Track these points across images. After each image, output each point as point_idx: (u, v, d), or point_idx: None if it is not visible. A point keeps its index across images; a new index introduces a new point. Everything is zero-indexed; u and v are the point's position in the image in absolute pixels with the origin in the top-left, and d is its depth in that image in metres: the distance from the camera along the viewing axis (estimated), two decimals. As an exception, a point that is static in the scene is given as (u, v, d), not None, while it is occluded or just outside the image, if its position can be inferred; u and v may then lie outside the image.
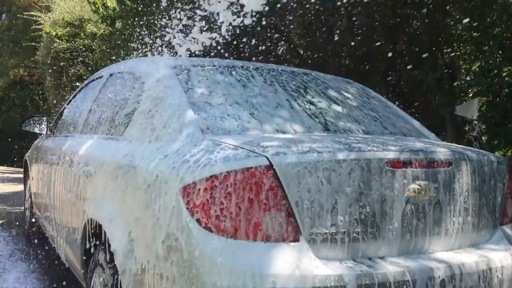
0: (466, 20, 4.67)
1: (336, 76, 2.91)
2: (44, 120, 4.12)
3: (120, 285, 1.77)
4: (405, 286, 1.49)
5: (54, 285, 3.30)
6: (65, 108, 3.90)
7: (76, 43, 12.33)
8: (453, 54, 6.08)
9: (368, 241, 1.57)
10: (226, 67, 2.34)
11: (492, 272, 1.68)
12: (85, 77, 10.48)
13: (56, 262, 3.69)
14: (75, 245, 2.45)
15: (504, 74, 4.75)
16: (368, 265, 1.52)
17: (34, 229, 4.32)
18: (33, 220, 4.25)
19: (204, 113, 1.87)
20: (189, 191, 1.49)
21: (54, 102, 14.21)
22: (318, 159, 1.52)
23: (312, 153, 1.54)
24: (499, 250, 1.80)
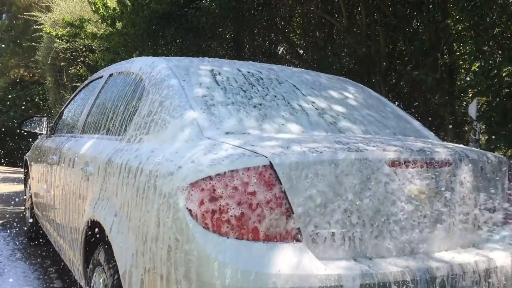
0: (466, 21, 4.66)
1: (336, 76, 2.92)
2: (44, 120, 4.12)
3: (121, 285, 1.77)
4: (405, 286, 1.49)
5: (55, 285, 3.30)
6: (65, 108, 3.90)
7: (76, 43, 12.34)
8: (453, 54, 6.08)
9: (368, 241, 1.57)
10: (226, 67, 2.34)
11: (492, 272, 1.69)
12: (85, 77, 10.48)
13: (56, 262, 3.69)
14: (76, 244, 2.45)
15: (504, 74, 4.74)
16: (368, 265, 1.52)
17: (34, 229, 4.32)
18: (34, 220, 4.26)
19: (204, 113, 1.87)
20: (189, 191, 1.49)
21: (54, 102, 14.23)
22: (318, 159, 1.52)
23: (312, 153, 1.54)
24: (499, 250, 1.80)
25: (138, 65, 2.46)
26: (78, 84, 9.81)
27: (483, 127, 4.71)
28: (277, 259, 1.43)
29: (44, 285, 3.28)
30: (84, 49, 12.50)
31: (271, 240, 1.46)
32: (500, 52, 4.80)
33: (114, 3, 8.87)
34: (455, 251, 1.75)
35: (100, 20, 9.32)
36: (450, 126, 5.85)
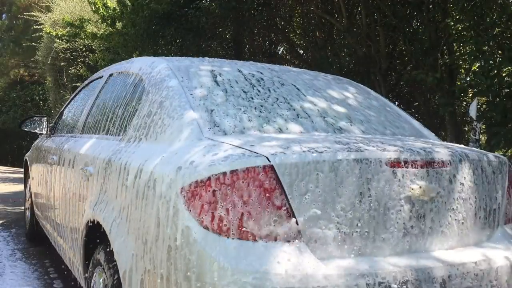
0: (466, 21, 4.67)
1: (337, 76, 2.92)
2: (44, 120, 4.12)
3: (121, 285, 1.77)
4: (405, 286, 1.49)
5: (55, 285, 3.30)
6: (65, 108, 3.90)
7: (76, 43, 12.35)
8: (453, 54, 6.08)
9: (368, 241, 1.57)
10: (227, 67, 2.34)
11: (492, 272, 1.69)
12: (85, 77, 10.49)
13: (56, 262, 3.69)
14: (76, 244, 2.45)
15: (504, 74, 4.74)
16: (368, 265, 1.52)
17: (34, 229, 4.32)
18: (34, 220, 4.25)
19: (205, 113, 1.87)
20: (189, 192, 1.49)
21: (54, 102, 14.24)
22: (318, 159, 1.52)
23: (312, 153, 1.54)
24: (499, 250, 1.80)
25: (138, 65, 2.46)
26: (78, 84, 9.82)
27: (483, 127, 4.71)
28: (277, 259, 1.43)
29: (44, 285, 3.28)
30: (84, 49, 12.51)
31: (271, 240, 1.46)
32: (500, 52, 4.81)
33: (114, 3, 8.87)
34: (455, 250, 1.74)
35: (100, 20, 9.33)
36: (450, 126, 5.86)
